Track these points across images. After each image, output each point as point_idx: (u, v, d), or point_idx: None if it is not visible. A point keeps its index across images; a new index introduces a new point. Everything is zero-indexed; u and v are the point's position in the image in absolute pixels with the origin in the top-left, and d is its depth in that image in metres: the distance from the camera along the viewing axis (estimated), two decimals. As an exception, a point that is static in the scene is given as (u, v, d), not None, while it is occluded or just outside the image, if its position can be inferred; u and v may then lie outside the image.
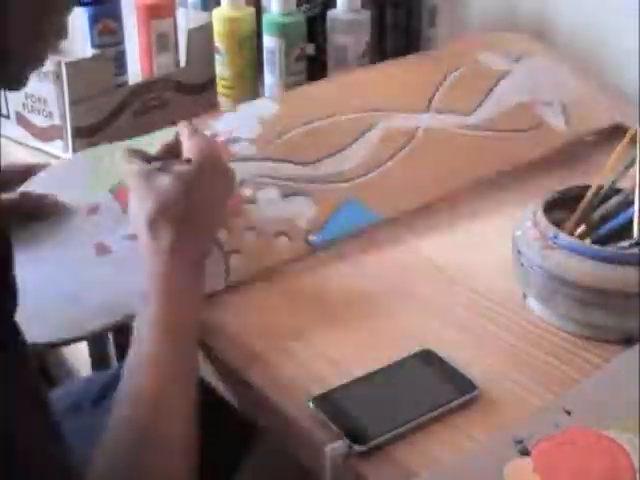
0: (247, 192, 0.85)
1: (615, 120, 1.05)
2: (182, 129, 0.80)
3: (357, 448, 0.62)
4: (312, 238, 0.83)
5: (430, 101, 1.00)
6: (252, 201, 0.84)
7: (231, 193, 0.78)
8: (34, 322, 0.66)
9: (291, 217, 0.84)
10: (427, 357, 0.70)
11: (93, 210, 0.82)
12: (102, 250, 0.78)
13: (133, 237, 0.76)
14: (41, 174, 0.86)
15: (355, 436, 0.62)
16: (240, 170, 0.84)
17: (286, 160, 0.89)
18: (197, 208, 0.73)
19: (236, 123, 0.93)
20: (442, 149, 0.95)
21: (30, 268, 0.73)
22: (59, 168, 0.90)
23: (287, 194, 0.86)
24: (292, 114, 0.95)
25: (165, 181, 0.72)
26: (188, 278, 0.70)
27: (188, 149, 0.77)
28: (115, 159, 0.86)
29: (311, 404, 0.65)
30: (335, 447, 0.61)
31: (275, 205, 0.85)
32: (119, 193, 0.83)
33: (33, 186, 0.85)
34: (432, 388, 0.67)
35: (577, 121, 1.04)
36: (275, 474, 1.18)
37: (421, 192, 0.90)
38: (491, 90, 1.04)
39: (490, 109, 1.01)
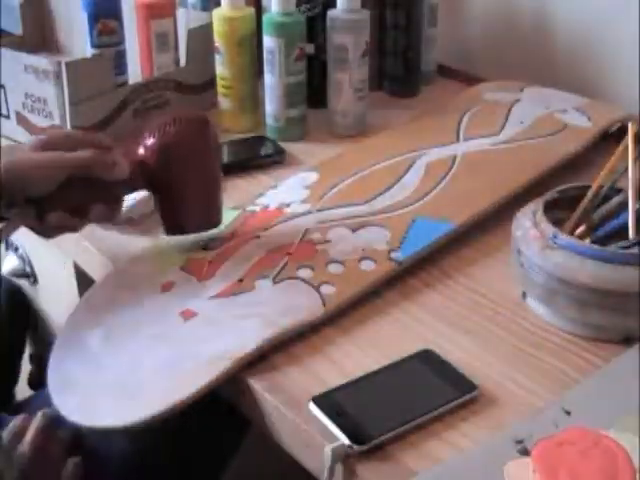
0: (317, 236, 0.85)
1: (631, 113, 1.08)
2: None
3: (357, 448, 0.62)
4: (395, 255, 0.82)
5: (457, 134, 1.04)
6: (325, 241, 0.85)
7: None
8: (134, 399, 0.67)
9: (368, 244, 0.84)
10: (427, 357, 0.70)
11: (167, 287, 0.80)
12: (189, 315, 0.76)
13: (218, 296, 0.78)
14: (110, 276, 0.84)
15: (355, 436, 0.62)
16: (300, 223, 0.88)
17: (341, 206, 0.91)
18: None
19: (282, 195, 0.95)
20: (485, 163, 0.98)
21: (114, 354, 0.73)
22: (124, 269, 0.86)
23: (356, 228, 0.87)
24: (334, 175, 0.98)
25: None
26: None
27: None
28: (183, 245, 0.86)
29: (311, 404, 0.65)
30: (335, 447, 0.61)
31: (348, 239, 0.85)
32: (191, 266, 0.82)
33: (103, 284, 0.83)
34: (432, 388, 0.67)
35: (599, 116, 1.07)
36: (267, 470, 1.19)
37: (478, 200, 0.91)
38: (508, 113, 1.09)
39: (514, 127, 1.05)
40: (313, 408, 0.65)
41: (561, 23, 1.20)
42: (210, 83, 1.17)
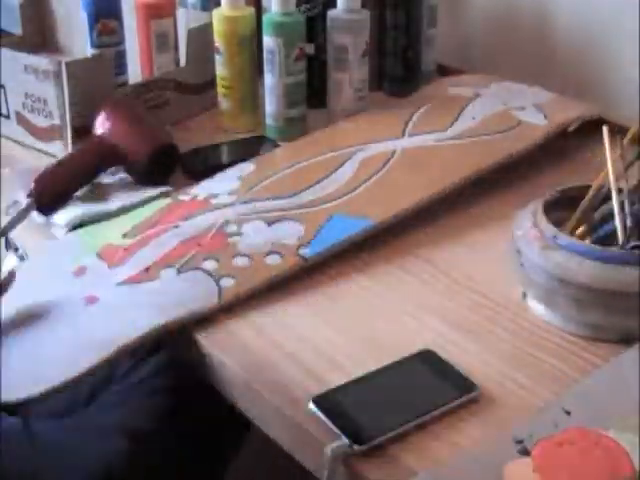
0: (231, 228, 0.87)
1: (595, 112, 1.05)
2: None
3: (357, 448, 0.62)
4: (304, 251, 0.83)
5: (404, 129, 1.02)
6: (237, 234, 0.86)
7: None
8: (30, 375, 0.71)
9: (279, 238, 0.85)
10: (427, 357, 0.70)
11: (80, 272, 0.84)
12: (92, 300, 0.80)
13: (123, 283, 0.81)
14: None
15: (355, 436, 0.62)
16: (220, 215, 0.89)
17: (266, 198, 0.92)
18: None
19: (215, 185, 0.96)
20: (423, 160, 0.96)
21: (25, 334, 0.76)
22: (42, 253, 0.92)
23: (272, 222, 0.88)
24: (270, 167, 0.99)
25: None
26: None
27: None
28: (105, 232, 0.90)
29: (311, 404, 0.65)
30: (335, 447, 0.61)
31: (262, 232, 0.86)
32: (106, 252, 0.86)
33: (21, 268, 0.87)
34: (432, 388, 0.67)
35: (556, 114, 1.05)
36: (266, 470, 1.18)
37: (406, 197, 0.90)
38: (463, 109, 1.06)
39: (465, 123, 1.03)
40: (313, 408, 0.65)
41: (561, 23, 1.20)
42: (210, 83, 1.17)
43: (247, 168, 0.99)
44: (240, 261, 0.83)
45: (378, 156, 0.97)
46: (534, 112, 1.06)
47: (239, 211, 0.90)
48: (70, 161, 0.99)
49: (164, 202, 0.94)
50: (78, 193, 0.98)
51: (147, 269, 0.82)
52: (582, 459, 0.59)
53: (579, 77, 1.19)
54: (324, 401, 0.66)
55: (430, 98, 1.12)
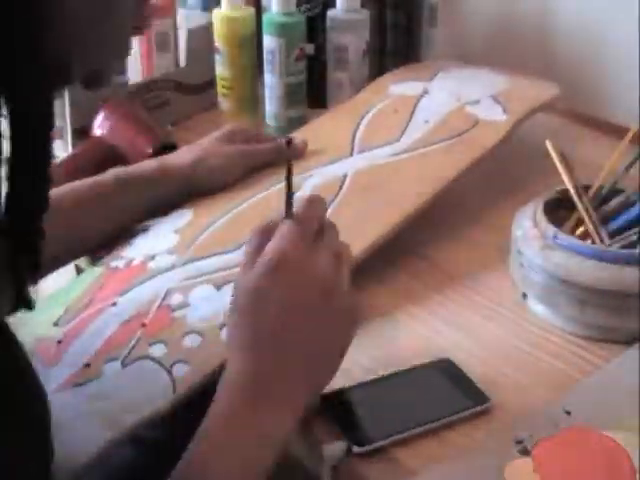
0: (176, 299, 0.74)
1: (554, 92, 1.00)
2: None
3: (356, 450, 0.61)
4: None
5: (352, 145, 0.92)
6: (184, 306, 0.73)
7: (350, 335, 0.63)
8: None
9: None
10: (444, 366, 0.69)
11: None
12: None
13: (61, 388, 0.67)
14: None
15: (356, 437, 0.62)
16: (161, 283, 0.76)
17: (211, 255, 0.79)
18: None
19: (150, 242, 0.83)
20: (378, 182, 0.86)
21: None
22: None
23: (221, 285, 0.74)
24: (208, 213, 0.86)
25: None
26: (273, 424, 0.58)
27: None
28: (35, 320, 0.74)
29: (320, 400, 0.65)
30: (334, 447, 0.61)
31: (212, 300, 0.73)
32: (40, 349, 0.71)
33: None
34: (444, 396, 0.66)
35: (516, 105, 0.96)
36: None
37: (361, 237, 0.79)
38: (412, 113, 0.97)
39: (418, 129, 0.94)
40: (320, 406, 0.65)
41: (561, 23, 1.19)
42: (210, 83, 1.17)
43: (183, 218, 0.86)
44: (191, 341, 0.69)
45: (327, 185, 0.86)
46: (491, 105, 0.96)
47: (181, 275, 0.77)
48: (70, 161, 0.99)
49: (97, 271, 0.80)
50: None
51: (87, 365, 0.69)
52: (582, 459, 0.60)
53: (579, 77, 1.19)
54: (332, 400, 0.65)
55: (371, 102, 1.01)
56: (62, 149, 1.07)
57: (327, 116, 1.04)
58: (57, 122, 1.06)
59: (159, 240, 0.83)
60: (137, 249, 0.83)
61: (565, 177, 0.78)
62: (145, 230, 0.86)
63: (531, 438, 0.61)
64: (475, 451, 0.61)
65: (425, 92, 1.01)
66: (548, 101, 0.99)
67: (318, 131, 0.99)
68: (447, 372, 0.69)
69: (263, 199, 0.87)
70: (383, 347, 0.73)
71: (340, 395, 0.66)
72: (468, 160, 0.88)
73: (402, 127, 0.94)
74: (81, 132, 1.06)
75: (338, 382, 0.68)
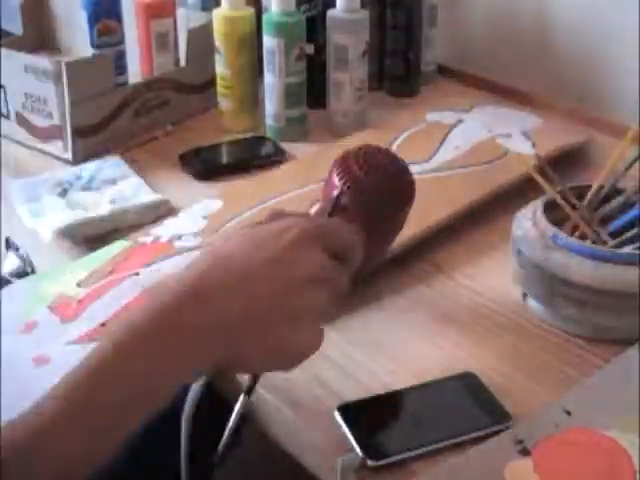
0: None
1: (583, 138, 1.03)
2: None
3: (370, 463, 0.60)
4: None
5: None
6: None
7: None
8: None
9: None
10: (467, 380, 0.68)
11: (30, 327, 0.75)
12: (41, 361, 0.71)
13: (76, 342, 0.72)
14: None
15: (370, 450, 0.61)
16: (187, 259, 0.75)
17: None
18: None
19: (179, 225, 0.89)
20: None
21: None
22: None
23: None
24: (239, 204, 0.91)
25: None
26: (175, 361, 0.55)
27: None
28: (58, 278, 0.80)
29: (335, 412, 0.64)
30: (346, 459, 0.60)
31: None
32: (58, 305, 0.76)
33: None
34: (464, 412, 0.65)
35: (545, 143, 0.99)
36: (262, 467, 1.18)
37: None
38: (445, 137, 1.01)
39: (448, 153, 0.98)
40: (337, 417, 0.64)
41: (561, 23, 1.19)
42: (210, 83, 1.17)
43: (214, 205, 0.92)
44: None
45: None
46: (521, 140, 1.01)
47: None
48: None
49: (124, 244, 0.85)
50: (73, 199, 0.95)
51: (103, 324, 0.73)
52: (582, 459, 0.60)
53: (579, 77, 1.19)
54: (349, 411, 0.65)
55: (408, 124, 1.06)
56: (62, 149, 1.07)
57: (362, 133, 1.07)
58: (57, 122, 1.06)
59: (188, 223, 0.89)
60: (165, 228, 0.88)
61: (548, 188, 0.77)
62: (175, 214, 0.91)
63: (531, 438, 0.61)
64: (475, 451, 0.61)
65: (459, 121, 1.06)
66: (577, 144, 1.02)
67: (349, 147, 1.00)
68: (469, 387, 0.67)
69: (296, 196, 0.91)
70: (380, 346, 0.73)
71: (356, 407, 0.65)
72: (491, 188, 0.91)
73: (433, 149, 0.99)
74: (81, 132, 1.06)
75: (335, 380, 0.68)
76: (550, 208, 0.77)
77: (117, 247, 0.85)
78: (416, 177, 0.86)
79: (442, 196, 0.90)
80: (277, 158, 1.06)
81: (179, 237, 0.86)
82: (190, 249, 0.83)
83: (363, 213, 0.68)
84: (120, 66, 1.18)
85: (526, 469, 0.59)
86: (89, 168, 1.03)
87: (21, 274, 1.18)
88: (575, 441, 0.61)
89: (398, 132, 1.03)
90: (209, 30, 1.12)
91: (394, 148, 0.99)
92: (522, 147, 0.99)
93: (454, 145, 1.00)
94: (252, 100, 1.14)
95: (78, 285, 0.79)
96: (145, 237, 0.87)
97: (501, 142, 1.01)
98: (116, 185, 1.00)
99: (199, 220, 0.89)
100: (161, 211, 0.94)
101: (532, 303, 0.77)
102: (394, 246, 0.78)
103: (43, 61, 1.06)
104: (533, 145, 0.99)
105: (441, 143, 1.00)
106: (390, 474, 0.61)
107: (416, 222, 0.82)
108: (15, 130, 1.13)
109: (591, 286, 0.71)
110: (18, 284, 0.83)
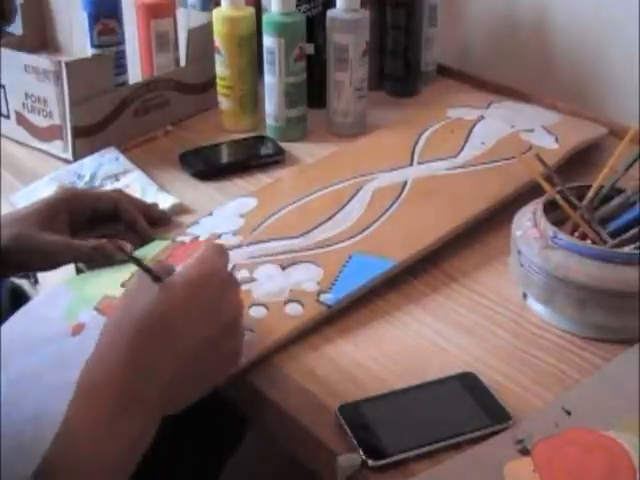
0: (243, 274, 0.80)
1: (604, 131, 1.04)
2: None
3: (371, 463, 0.61)
4: (325, 297, 0.76)
5: (412, 156, 0.98)
6: (251, 280, 0.79)
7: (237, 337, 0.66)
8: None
9: (297, 284, 0.78)
10: (467, 380, 0.68)
11: (78, 330, 0.74)
12: None
13: None
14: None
15: (371, 450, 0.61)
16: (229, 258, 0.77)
17: (275, 239, 0.85)
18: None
19: (216, 224, 0.90)
20: (437, 191, 0.92)
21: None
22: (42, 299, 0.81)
23: (287, 265, 0.81)
24: (273, 202, 0.92)
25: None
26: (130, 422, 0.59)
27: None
28: (101, 279, 0.80)
29: (337, 412, 0.64)
30: (347, 458, 0.61)
31: (277, 278, 0.79)
32: (105, 306, 0.75)
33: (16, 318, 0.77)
34: (465, 412, 0.65)
35: (568, 137, 1.01)
36: (264, 468, 1.18)
37: (426, 233, 0.84)
38: (469, 134, 1.03)
39: (474, 149, 0.99)
40: (337, 416, 0.64)
41: (561, 23, 1.20)
42: (210, 83, 1.17)
43: (248, 204, 0.93)
44: (257, 311, 0.75)
45: (389, 187, 0.92)
46: (544, 135, 1.02)
47: (247, 254, 0.83)
48: None
49: (164, 244, 0.85)
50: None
51: None
52: (582, 459, 0.60)
53: (578, 77, 1.19)
54: (350, 410, 0.65)
55: (430, 121, 1.07)
56: (62, 149, 1.07)
57: (385, 130, 1.09)
58: (57, 122, 1.06)
59: (225, 222, 0.90)
60: (203, 227, 0.89)
61: (548, 188, 0.77)
62: (209, 214, 0.92)
63: (531, 438, 0.61)
64: (475, 451, 0.61)
65: (481, 117, 1.07)
66: (598, 137, 1.03)
67: (378, 142, 1.05)
68: (469, 387, 0.67)
69: (328, 193, 0.93)
70: (381, 345, 0.73)
71: (356, 407, 0.65)
72: (520, 182, 0.91)
73: (460, 145, 1.00)
74: (81, 132, 1.06)
75: (355, 394, 0.67)
76: (550, 208, 0.77)
77: (157, 246, 0.85)
78: (444, 174, 0.93)
79: (475, 191, 0.91)
80: (277, 158, 1.06)
81: (218, 236, 0.87)
82: (231, 248, 0.83)
83: None
84: (120, 66, 1.18)
85: (526, 469, 0.59)
86: (88, 165, 1.03)
87: (23, 277, 1.18)
88: (575, 441, 0.61)
89: (417, 131, 1.04)
90: (209, 30, 1.12)
91: (420, 144, 1.01)
92: (545, 141, 1.00)
93: (480, 140, 1.01)
94: (252, 100, 1.14)
95: (122, 286, 0.78)
96: (183, 236, 0.87)
97: (524, 137, 1.02)
98: (118, 181, 1.01)
99: (236, 219, 0.90)
100: (176, 214, 0.94)
101: (532, 303, 0.77)
102: (430, 241, 0.83)
103: (43, 61, 1.06)
104: (556, 139, 1.01)
105: (466, 139, 1.02)
106: (390, 474, 0.61)
107: (454, 216, 0.87)
108: (15, 130, 1.13)
109: (591, 286, 0.71)
110: (59, 288, 0.81)
